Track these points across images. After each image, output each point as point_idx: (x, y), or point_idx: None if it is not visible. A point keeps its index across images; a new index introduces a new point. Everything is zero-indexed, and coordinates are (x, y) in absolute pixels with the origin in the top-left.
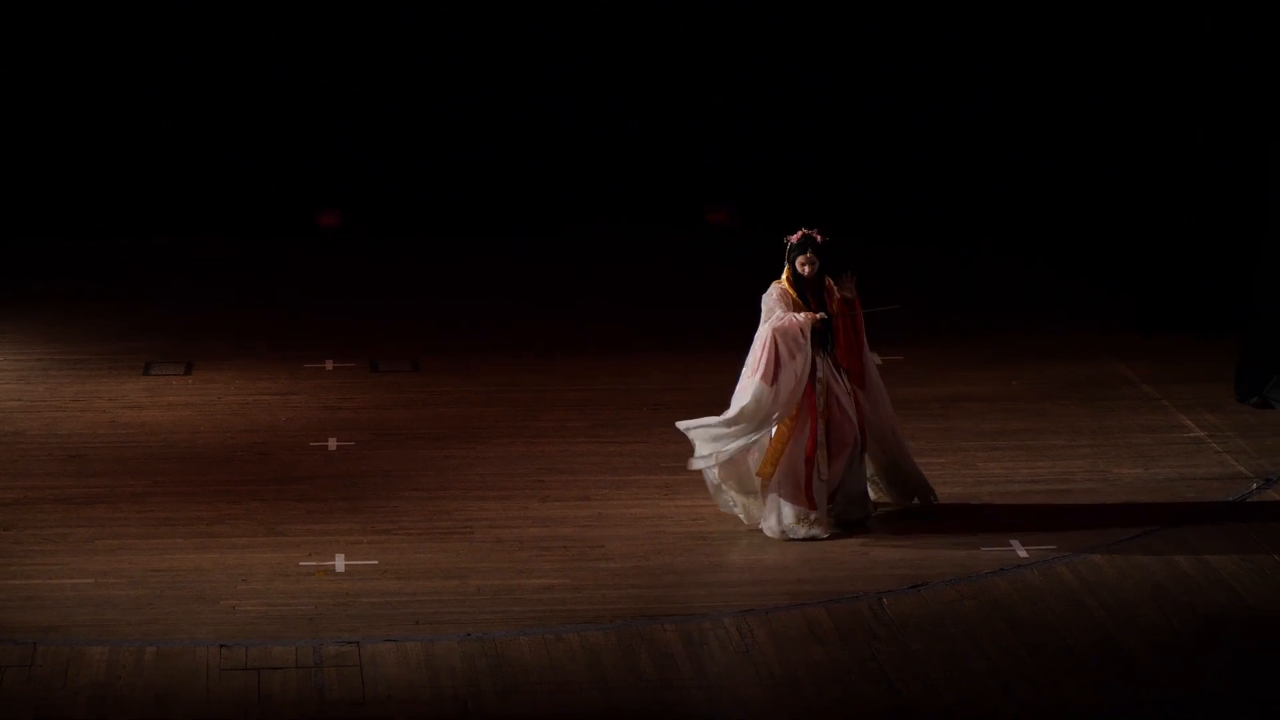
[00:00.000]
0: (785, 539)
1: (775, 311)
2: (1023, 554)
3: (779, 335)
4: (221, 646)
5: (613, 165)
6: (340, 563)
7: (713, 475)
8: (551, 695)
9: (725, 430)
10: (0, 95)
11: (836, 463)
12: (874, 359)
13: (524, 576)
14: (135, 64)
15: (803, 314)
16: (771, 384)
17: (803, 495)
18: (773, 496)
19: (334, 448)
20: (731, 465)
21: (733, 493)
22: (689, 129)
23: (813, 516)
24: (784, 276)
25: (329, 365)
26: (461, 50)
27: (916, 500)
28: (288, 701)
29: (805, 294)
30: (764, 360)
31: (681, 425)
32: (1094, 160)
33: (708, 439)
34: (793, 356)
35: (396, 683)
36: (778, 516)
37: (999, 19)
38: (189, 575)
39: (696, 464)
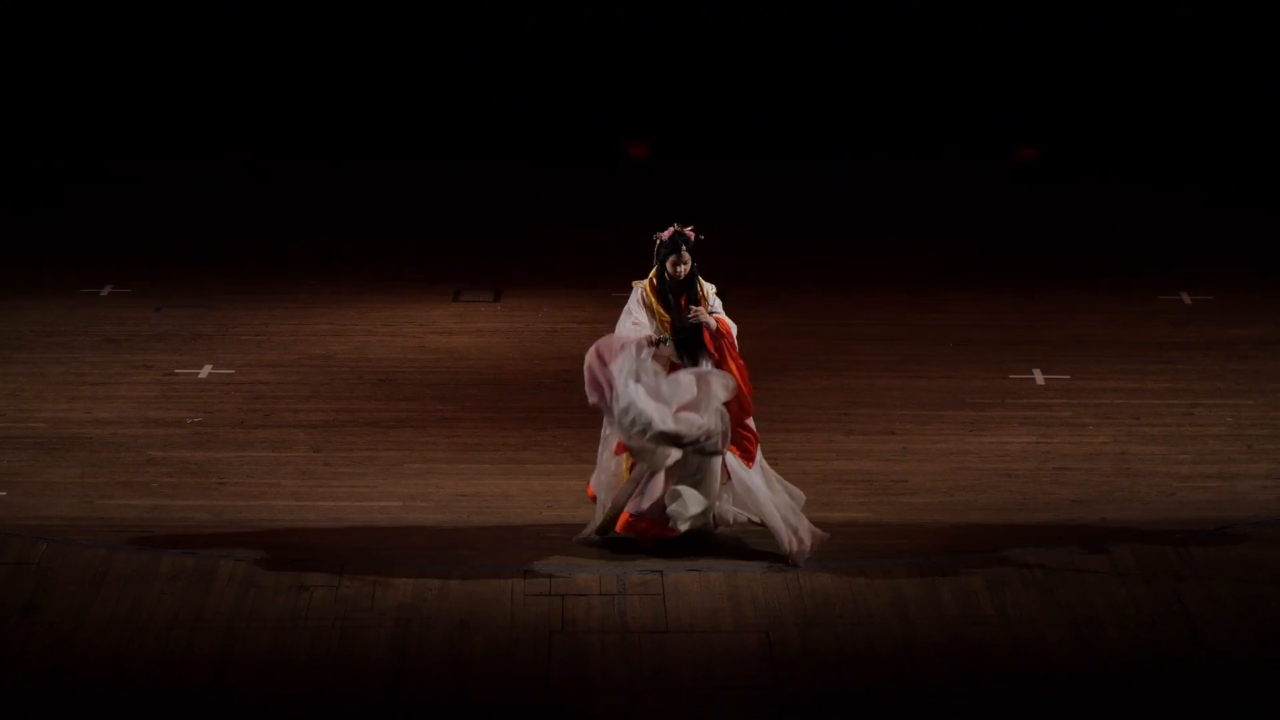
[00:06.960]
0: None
1: (631, 315)
2: None
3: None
4: (526, 573)
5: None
6: None
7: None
8: (853, 629)
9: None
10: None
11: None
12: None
13: (828, 509)
14: None
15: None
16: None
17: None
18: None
19: None
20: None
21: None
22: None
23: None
24: (650, 276)
25: None
26: None
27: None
28: (591, 628)
29: (668, 297)
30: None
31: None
32: None
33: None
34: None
35: (699, 611)
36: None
37: None
38: (495, 501)
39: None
